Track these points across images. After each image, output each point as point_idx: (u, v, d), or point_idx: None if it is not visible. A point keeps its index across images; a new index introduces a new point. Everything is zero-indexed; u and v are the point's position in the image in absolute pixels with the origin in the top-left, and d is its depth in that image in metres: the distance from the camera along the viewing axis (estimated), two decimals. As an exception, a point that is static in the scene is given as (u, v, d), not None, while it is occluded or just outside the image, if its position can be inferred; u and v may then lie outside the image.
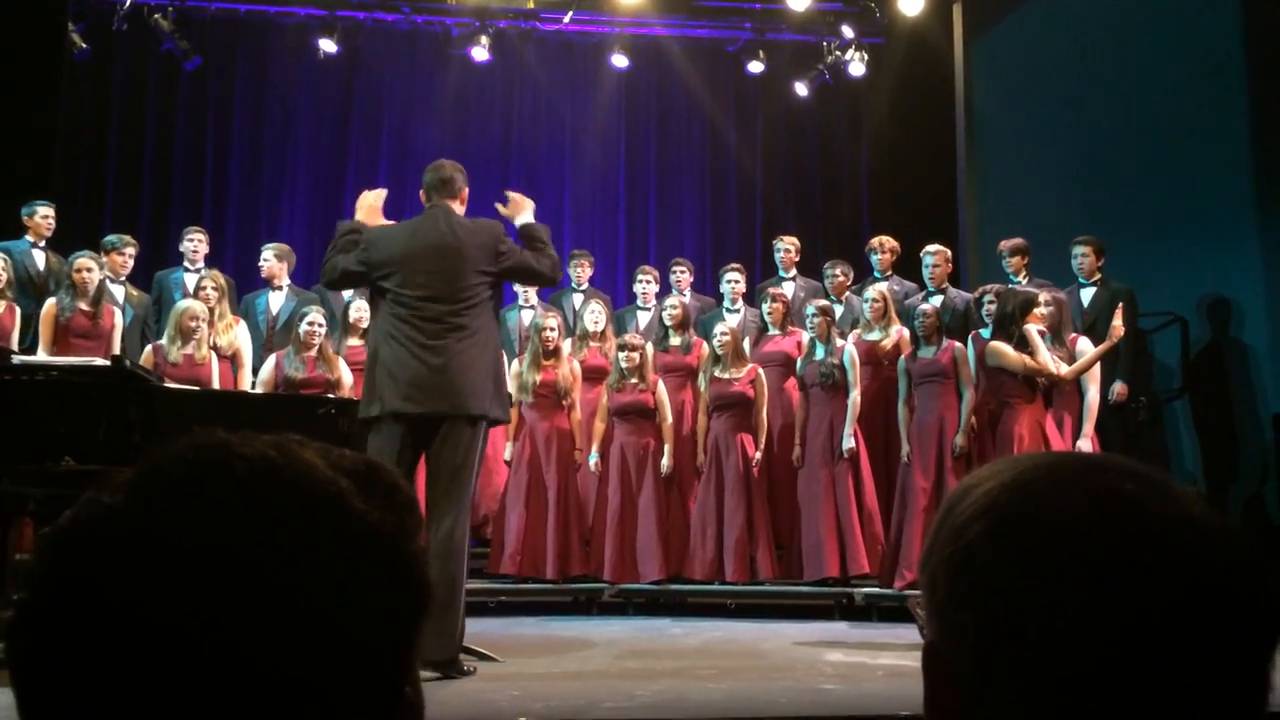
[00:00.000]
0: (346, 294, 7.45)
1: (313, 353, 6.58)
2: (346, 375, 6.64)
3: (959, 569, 0.66)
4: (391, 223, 4.65)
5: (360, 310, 6.77)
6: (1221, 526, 0.64)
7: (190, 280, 7.41)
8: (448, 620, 4.04)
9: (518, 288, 7.44)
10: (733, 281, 7.53)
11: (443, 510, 4.14)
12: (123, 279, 7.16)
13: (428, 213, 4.48)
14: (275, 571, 0.57)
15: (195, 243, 7.54)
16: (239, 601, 0.56)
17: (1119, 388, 6.60)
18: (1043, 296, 5.83)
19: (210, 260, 7.84)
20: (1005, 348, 5.66)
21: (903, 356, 6.46)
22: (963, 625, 0.65)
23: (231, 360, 6.83)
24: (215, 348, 6.72)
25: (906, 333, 6.62)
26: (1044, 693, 0.62)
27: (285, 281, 7.60)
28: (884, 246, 7.52)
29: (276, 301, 7.50)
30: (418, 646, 0.63)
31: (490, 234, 4.41)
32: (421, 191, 4.57)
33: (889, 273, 7.54)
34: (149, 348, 6.61)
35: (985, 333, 6.31)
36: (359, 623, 0.58)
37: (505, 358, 6.43)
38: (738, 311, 7.45)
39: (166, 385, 4.75)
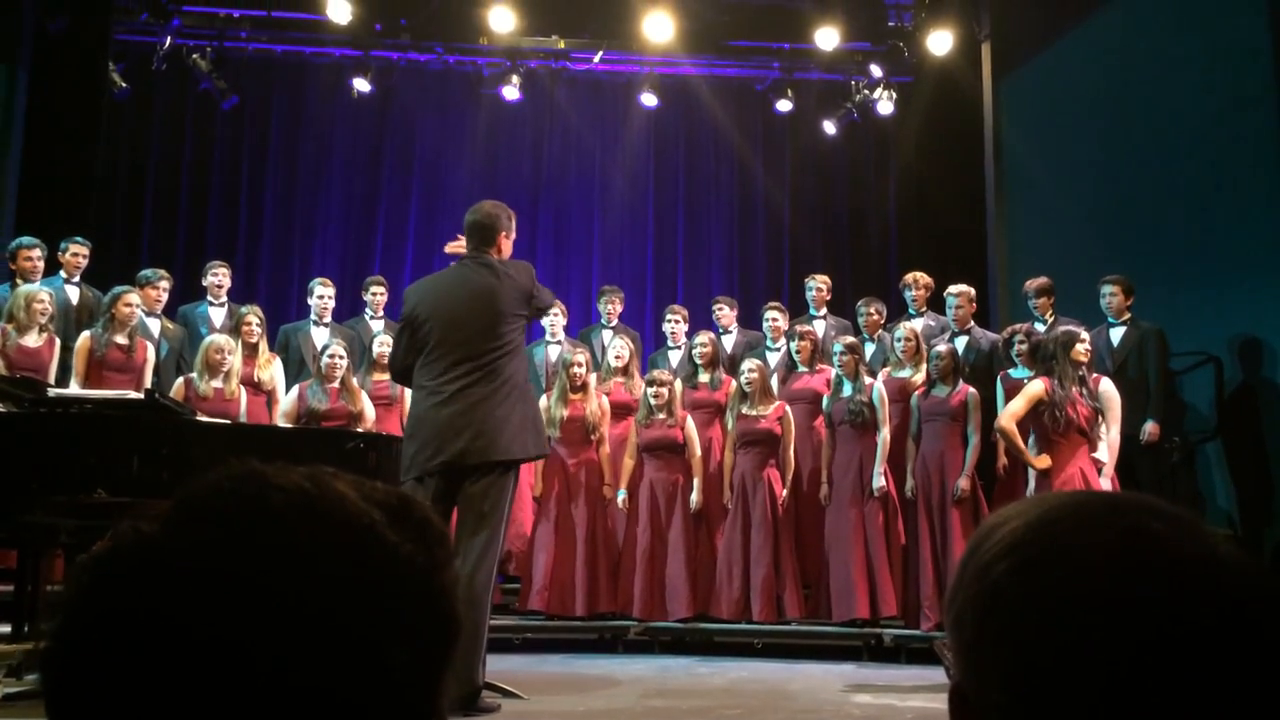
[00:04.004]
0: (375, 327, 7.52)
1: (335, 384, 6.63)
2: (369, 408, 6.68)
3: (985, 608, 0.66)
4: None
5: (384, 345, 6.81)
6: (1248, 566, 0.64)
7: (215, 314, 7.49)
8: (468, 660, 4.02)
9: (545, 322, 7.48)
10: (773, 319, 7.52)
11: (467, 553, 4.12)
12: (157, 313, 7.25)
13: (462, 263, 4.51)
14: (308, 603, 0.57)
15: (219, 277, 7.61)
16: (272, 632, 0.56)
17: (1150, 428, 6.51)
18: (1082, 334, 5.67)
19: (243, 296, 7.90)
20: (1016, 402, 5.59)
21: (915, 394, 6.46)
22: (989, 665, 0.65)
23: (268, 395, 6.90)
24: (257, 382, 6.81)
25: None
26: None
27: (328, 319, 7.67)
28: (918, 283, 7.50)
29: (320, 337, 7.50)
30: (446, 678, 0.64)
31: (525, 275, 4.45)
32: (462, 234, 4.61)
33: (923, 309, 7.52)
34: (179, 381, 6.69)
35: (1015, 373, 6.27)
36: (389, 653, 0.59)
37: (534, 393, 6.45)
38: (778, 349, 7.44)
39: (198, 419, 4.80)
